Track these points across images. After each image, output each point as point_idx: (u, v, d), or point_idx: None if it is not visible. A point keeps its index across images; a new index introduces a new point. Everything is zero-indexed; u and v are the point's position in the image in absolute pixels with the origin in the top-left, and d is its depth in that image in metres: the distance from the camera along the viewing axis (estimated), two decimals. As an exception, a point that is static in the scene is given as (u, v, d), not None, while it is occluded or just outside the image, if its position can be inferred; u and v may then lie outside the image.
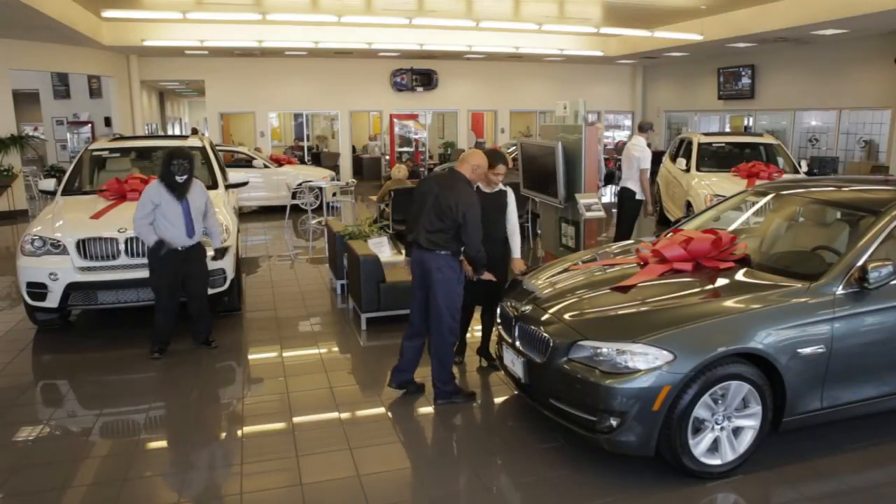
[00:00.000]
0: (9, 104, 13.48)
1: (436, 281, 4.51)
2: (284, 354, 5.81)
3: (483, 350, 5.44)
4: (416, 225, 4.61)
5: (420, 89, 19.75)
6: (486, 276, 4.77)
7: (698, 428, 3.61)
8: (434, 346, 4.64)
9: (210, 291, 6.04)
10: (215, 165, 7.68)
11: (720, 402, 3.63)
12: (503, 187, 5.22)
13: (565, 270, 4.76)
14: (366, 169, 20.65)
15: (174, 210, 5.50)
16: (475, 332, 5.64)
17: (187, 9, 12.00)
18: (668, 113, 21.21)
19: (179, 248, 5.57)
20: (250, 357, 5.80)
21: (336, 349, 6.02)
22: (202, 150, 7.85)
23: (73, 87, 18.72)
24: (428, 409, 4.66)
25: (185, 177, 5.54)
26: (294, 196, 13.11)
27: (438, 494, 3.67)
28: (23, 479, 3.84)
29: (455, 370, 5.29)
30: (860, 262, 3.85)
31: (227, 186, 7.74)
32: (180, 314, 5.80)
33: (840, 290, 3.80)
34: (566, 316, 3.95)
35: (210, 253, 5.94)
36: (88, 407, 4.86)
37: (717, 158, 10.79)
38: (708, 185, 9.60)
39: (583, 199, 7.22)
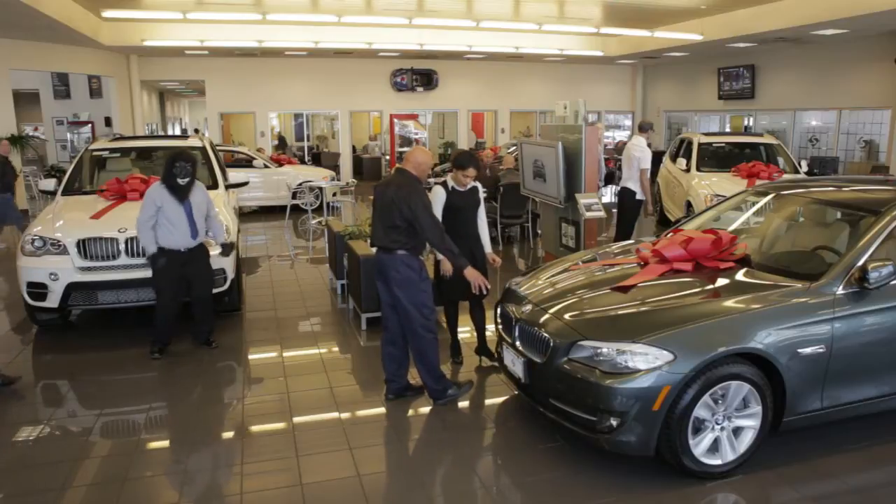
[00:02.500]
0: (9, 104, 13.48)
1: (395, 282, 4.48)
2: (284, 354, 5.81)
3: (481, 349, 5.44)
4: (374, 230, 4.65)
5: (420, 89, 19.76)
6: (471, 274, 4.53)
7: (698, 428, 3.61)
8: (413, 349, 4.61)
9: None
10: (215, 165, 7.68)
11: (720, 402, 3.63)
12: (475, 183, 5.24)
13: (565, 270, 4.76)
14: (366, 169, 20.65)
15: (177, 212, 5.51)
16: (473, 331, 5.62)
17: (187, 9, 12.01)
18: (668, 113, 21.21)
19: (182, 250, 5.58)
20: (250, 357, 5.80)
21: (336, 349, 6.02)
22: (202, 149, 7.85)
23: (74, 87, 18.74)
24: (427, 409, 4.66)
25: (187, 179, 5.55)
26: (294, 196, 13.11)
27: (438, 494, 3.67)
28: (23, 479, 3.84)
29: (449, 368, 5.29)
30: (860, 263, 3.85)
31: (227, 186, 7.74)
32: (181, 314, 5.81)
33: (840, 290, 3.80)
34: (566, 316, 3.95)
35: (217, 250, 5.96)
36: (88, 407, 4.86)
37: (717, 158, 10.78)
38: (708, 185, 9.60)
39: (583, 199, 7.22)
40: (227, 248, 6.06)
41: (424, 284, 4.55)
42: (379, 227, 4.57)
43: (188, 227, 5.56)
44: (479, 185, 5.29)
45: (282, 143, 20.95)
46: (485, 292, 4.69)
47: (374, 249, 6.43)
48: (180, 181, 5.52)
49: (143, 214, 5.52)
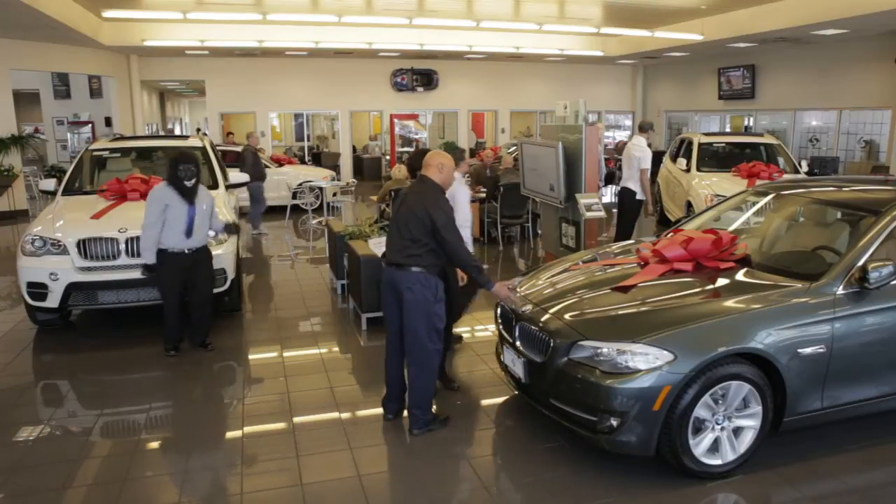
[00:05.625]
0: (9, 104, 13.47)
1: (407, 302, 4.08)
2: (285, 354, 5.81)
3: (440, 370, 4.86)
4: (389, 243, 4.28)
5: (420, 89, 19.75)
6: (501, 292, 4.16)
7: (699, 428, 3.62)
8: (413, 375, 4.23)
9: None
10: (216, 165, 7.69)
11: (720, 402, 3.63)
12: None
13: (566, 270, 4.76)
14: (366, 169, 20.66)
15: (181, 213, 5.46)
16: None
17: (187, 9, 12.00)
18: (668, 113, 21.20)
19: (186, 251, 5.53)
20: (251, 357, 5.80)
21: (336, 349, 6.02)
22: (202, 149, 7.85)
23: (74, 87, 18.72)
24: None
25: (193, 180, 5.53)
26: (294, 196, 13.12)
27: (438, 494, 3.67)
28: (23, 479, 3.84)
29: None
30: (860, 263, 3.85)
31: (228, 186, 7.74)
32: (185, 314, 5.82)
33: (840, 291, 3.80)
34: (567, 316, 3.95)
35: (220, 248, 6.01)
36: (88, 407, 4.86)
37: (717, 158, 10.79)
38: (708, 185, 9.60)
39: (583, 199, 7.23)
40: (230, 228, 6.10)
41: (438, 307, 4.17)
42: (396, 240, 4.17)
43: (184, 228, 5.47)
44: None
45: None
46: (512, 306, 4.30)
47: (373, 249, 6.48)
48: (187, 184, 5.50)
49: (149, 218, 5.42)
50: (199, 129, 28.65)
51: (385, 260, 4.30)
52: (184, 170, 5.48)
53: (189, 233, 5.53)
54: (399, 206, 4.26)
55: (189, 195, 5.51)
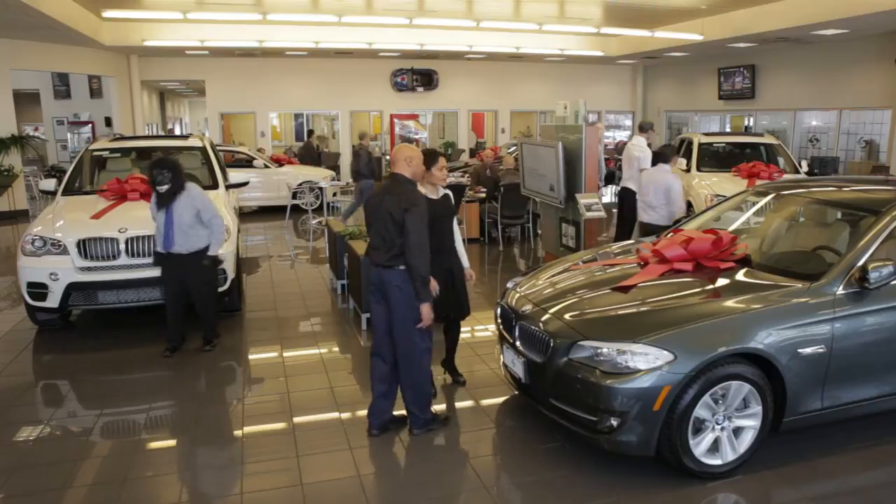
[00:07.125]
0: (9, 104, 13.48)
1: (395, 301, 4.01)
2: (285, 354, 5.81)
3: (449, 365, 5.10)
4: (372, 245, 4.17)
5: (420, 89, 19.75)
6: (427, 313, 4.03)
7: (699, 428, 3.61)
8: (406, 376, 4.16)
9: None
10: (215, 165, 7.68)
11: (721, 402, 3.63)
12: (446, 191, 4.74)
13: (566, 270, 4.76)
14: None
15: (160, 219, 5.52)
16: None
17: (188, 9, 12.00)
18: (668, 113, 21.19)
19: (175, 253, 5.53)
20: (251, 357, 5.80)
21: (336, 349, 6.02)
22: (202, 149, 7.85)
23: (74, 87, 18.73)
24: (428, 409, 4.64)
25: (165, 186, 5.45)
26: (294, 196, 13.12)
27: (438, 494, 3.67)
28: (23, 479, 3.85)
29: (443, 378, 5.23)
30: (861, 262, 3.85)
31: (228, 187, 7.73)
32: (188, 316, 5.81)
33: (840, 291, 3.80)
34: (567, 316, 3.95)
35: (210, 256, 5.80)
36: (89, 407, 4.86)
37: (717, 158, 10.79)
38: (708, 185, 9.60)
39: (583, 199, 7.23)
40: (210, 260, 5.74)
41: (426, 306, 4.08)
42: (378, 243, 4.06)
43: (163, 235, 5.50)
44: (450, 192, 4.77)
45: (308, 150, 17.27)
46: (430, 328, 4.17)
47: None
48: (159, 189, 5.48)
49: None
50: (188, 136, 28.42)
51: (371, 261, 4.19)
52: (156, 175, 5.46)
53: (166, 238, 5.50)
54: (376, 209, 4.09)
55: (160, 200, 5.50)
